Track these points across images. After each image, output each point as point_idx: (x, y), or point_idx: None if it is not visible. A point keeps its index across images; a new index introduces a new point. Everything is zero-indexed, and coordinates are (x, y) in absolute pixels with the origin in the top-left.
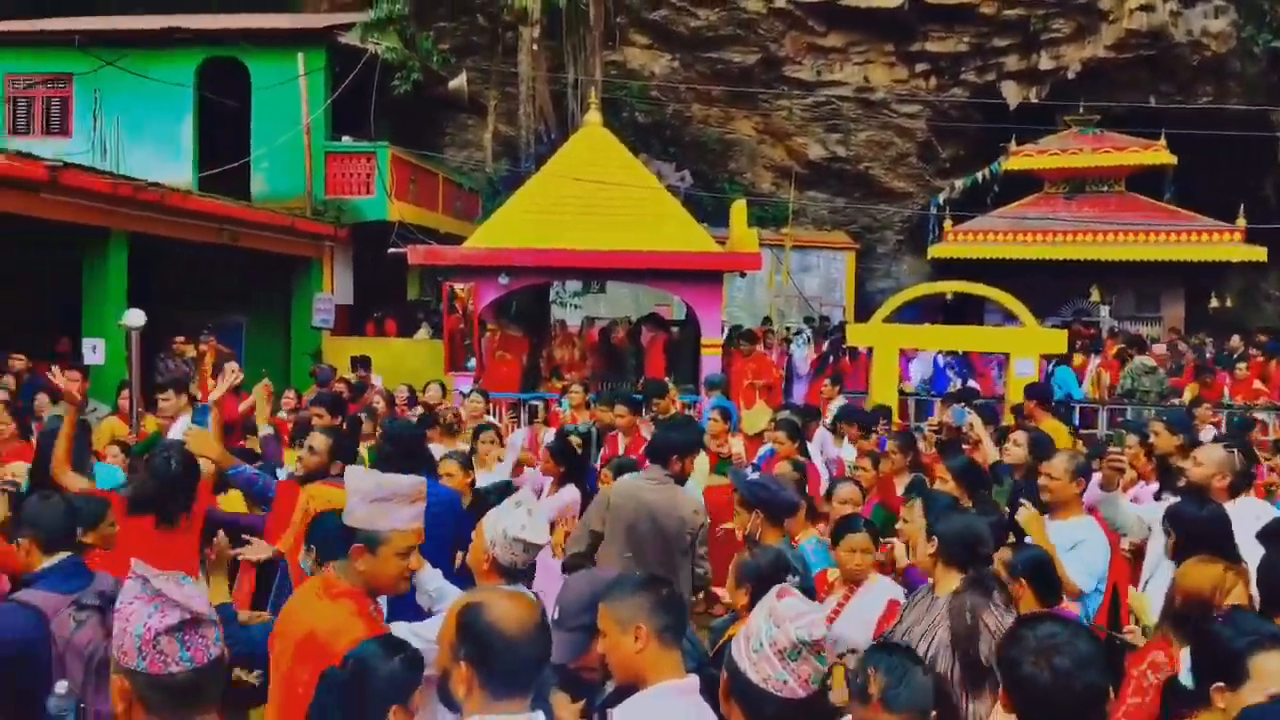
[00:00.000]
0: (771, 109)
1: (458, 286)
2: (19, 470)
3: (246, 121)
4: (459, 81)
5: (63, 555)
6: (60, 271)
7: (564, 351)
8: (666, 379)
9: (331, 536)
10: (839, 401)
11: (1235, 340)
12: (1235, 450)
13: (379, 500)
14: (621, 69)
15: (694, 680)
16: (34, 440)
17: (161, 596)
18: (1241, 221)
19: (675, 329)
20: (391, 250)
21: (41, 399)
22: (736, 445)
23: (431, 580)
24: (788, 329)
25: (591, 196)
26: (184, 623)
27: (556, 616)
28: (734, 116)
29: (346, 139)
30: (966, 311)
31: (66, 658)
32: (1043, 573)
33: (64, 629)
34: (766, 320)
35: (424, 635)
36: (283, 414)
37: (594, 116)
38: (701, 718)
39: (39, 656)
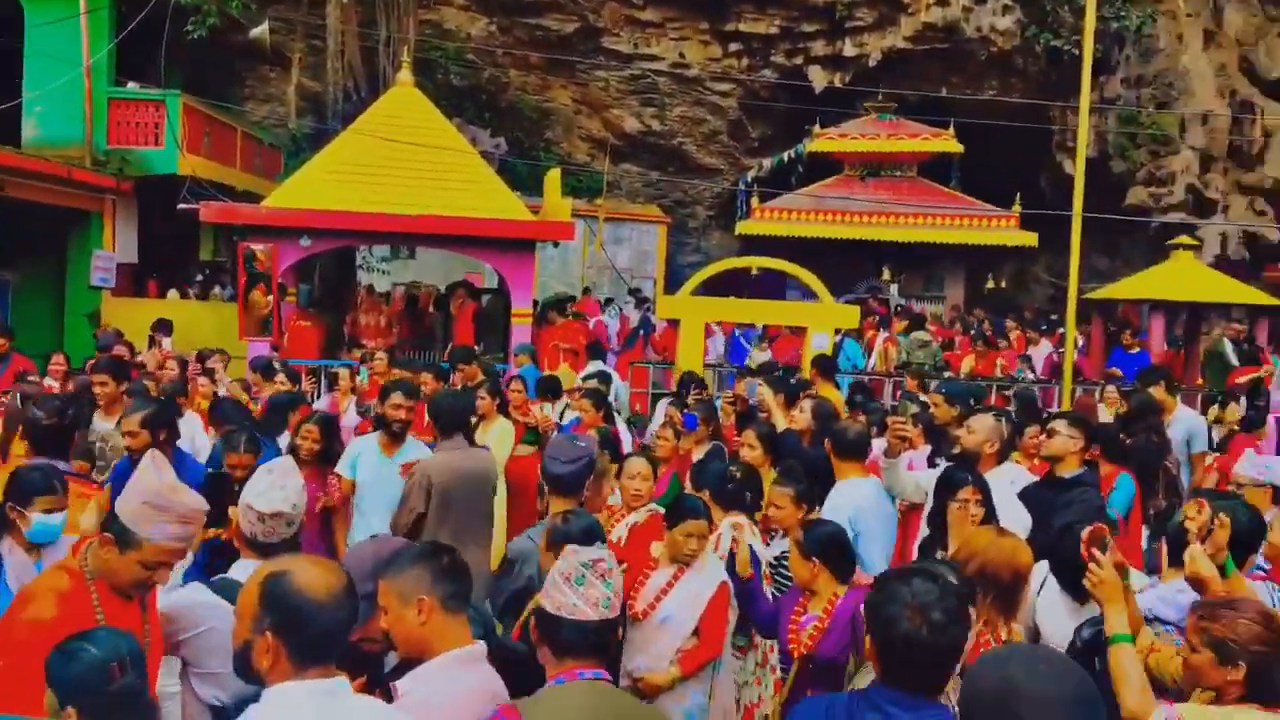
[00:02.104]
0: (589, 79)
1: (255, 248)
2: None
3: (18, 61)
4: (260, 30)
5: None
6: None
7: (369, 318)
8: (476, 347)
9: None
10: None
11: (1010, 321)
12: (1003, 419)
13: (152, 505)
14: (437, 29)
15: (481, 647)
16: None
17: None
18: (1017, 209)
19: (486, 297)
20: (182, 206)
21: None
22: (547, 411)
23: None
24: (609, 300)
25: (401, 158)
26: None
27: None
28: (551, 85)
29: (133, 85)
30: (771, 286)
31: None
32: (839, 549)
33: None
34: (588, 290)
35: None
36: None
37: (406, 76)
38: (487, 683)
39: None
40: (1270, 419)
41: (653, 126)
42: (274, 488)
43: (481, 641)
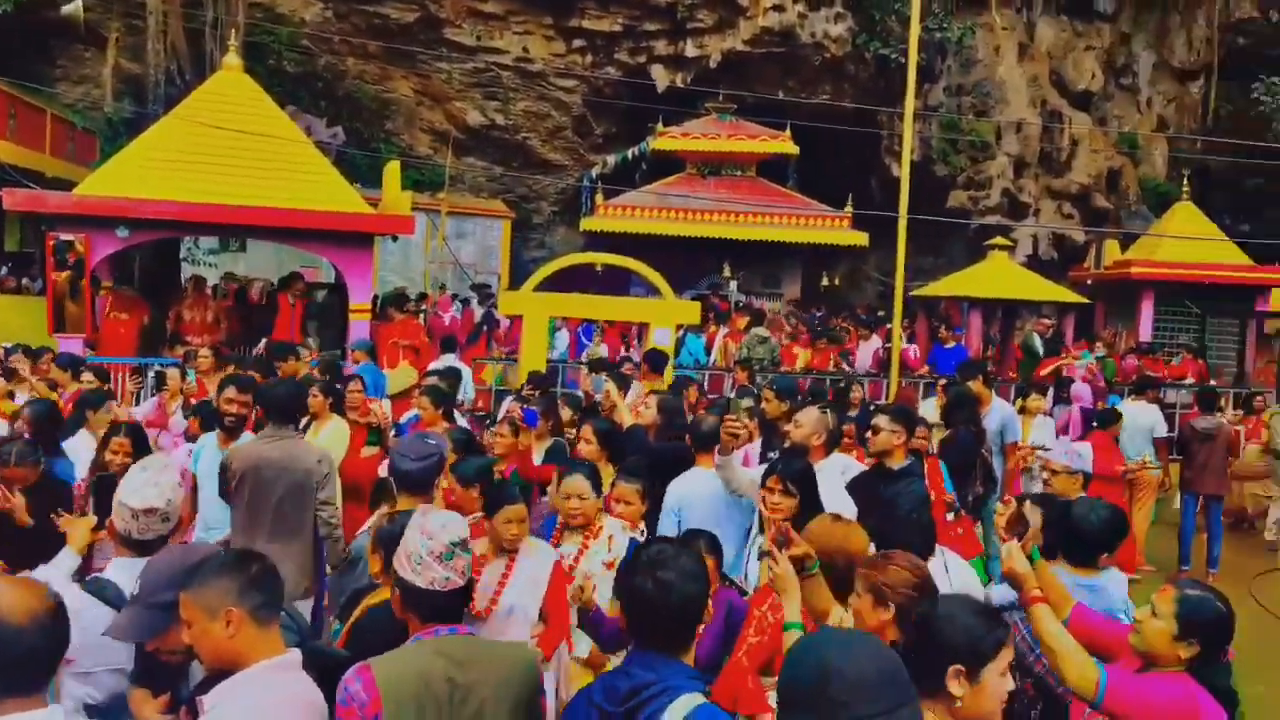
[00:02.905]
0: (431, 70)
1: (67, 238)
2: None
3: None
4: (73, 7)
5: None
6: None
7: (194, 313)
8: (309, 342)
9: None
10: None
11: (841, 319)
12: (828, 411)
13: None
14: (268, 12)
15: (295, 655)
16: None
17: None
18: (849, 209)
19: (321, 292)
20: None
21: None
22: (382, 408)
23: None
24: (454, 296)
25: (229, 146)
26: None
27: (136, 591)
28: (392, 75)
29: None
30: (615, 282)
31: None
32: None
33: None
34: (443, 287)
35: None
36: None
37: (233, 59)
38: (302, 693)
39: None
40: (1074, 408)
41: (496, 120)
42: (147, 484)
43: (296, 649)
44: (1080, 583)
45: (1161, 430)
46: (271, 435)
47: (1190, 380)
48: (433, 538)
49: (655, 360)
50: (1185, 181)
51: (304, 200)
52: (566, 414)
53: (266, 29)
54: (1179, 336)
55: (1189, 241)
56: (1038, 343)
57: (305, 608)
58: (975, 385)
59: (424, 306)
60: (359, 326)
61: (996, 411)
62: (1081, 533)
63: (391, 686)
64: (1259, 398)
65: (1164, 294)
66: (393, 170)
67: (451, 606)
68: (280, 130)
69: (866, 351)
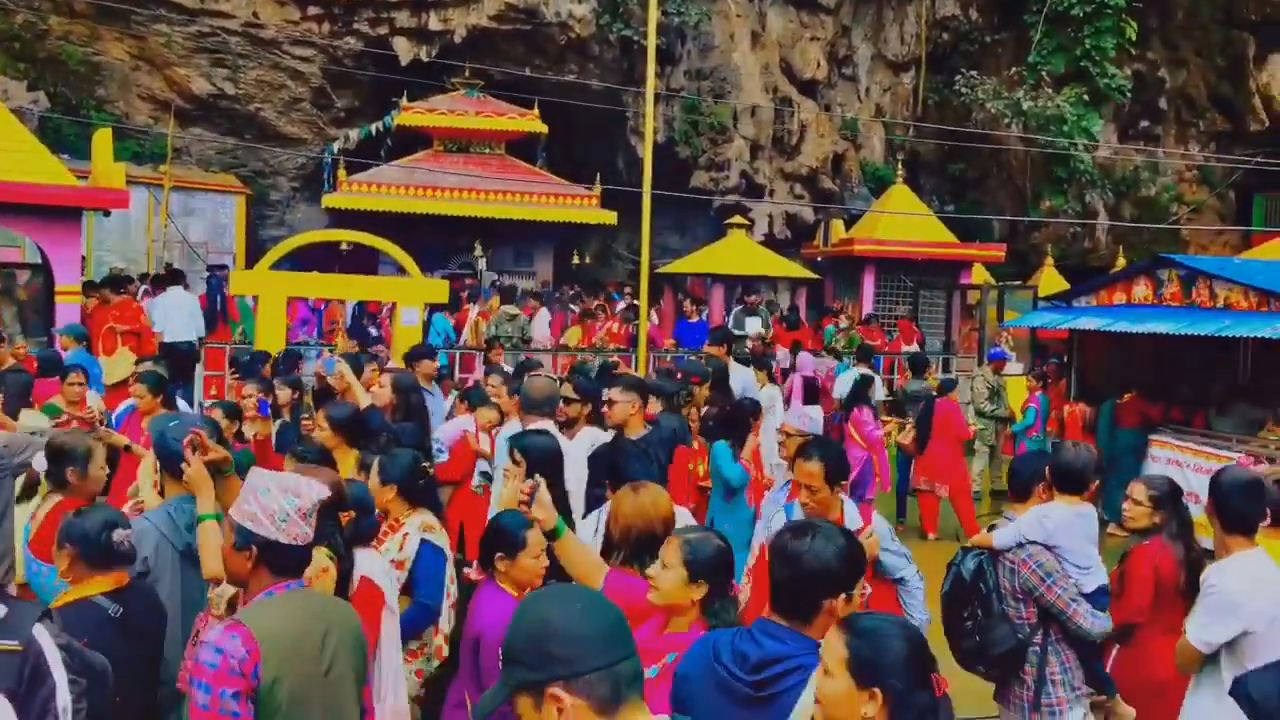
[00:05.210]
0: (149, 33)
1: None
2: None
3: None
4: None
5: None
6: None
7: None
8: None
9: None
10: None
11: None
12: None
13: None
14: None
15: None
16: None
17: None
18: (598, 188)
19: (25, 273)
20: None
21: None
22: (92, 401)
23: None
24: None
25: None
26: None
27: None
28: (103, 36)
29: None
30: (364, 261)
31: None
32: None
33: None
34: (169, 267)
35: None
36: None
37: None
38: None
39: None
40: (798, 376)
41: (225, 89)
42: None
43: None
44: (1077, 512)
45: (880, 393)
46: None
47: (909, 348)
48: (299, 495)
49: (357, 333)
50: (900, 166)
51: None
52: (284, 395)
53: None
54: (897, 308)
55: (904, 221)
56: (745, 322)
57: None
58: (717, 351)
59: (145, 287)
60: (67, 310)
61: (737, 377)
62: (1072, 468)
63: (270, 640)
64: (930, 369)
65: (883, 269)
66: (103, 139)
67: (303, 561)
68: None
69: (540, 324)
